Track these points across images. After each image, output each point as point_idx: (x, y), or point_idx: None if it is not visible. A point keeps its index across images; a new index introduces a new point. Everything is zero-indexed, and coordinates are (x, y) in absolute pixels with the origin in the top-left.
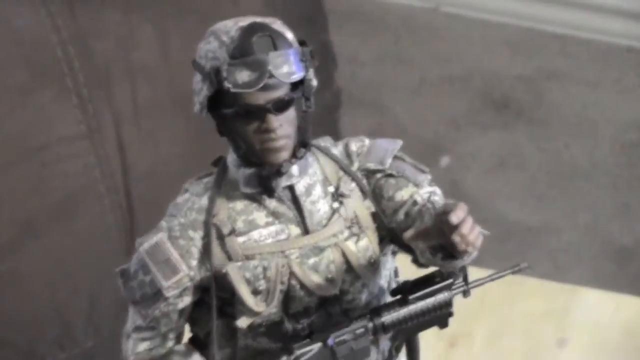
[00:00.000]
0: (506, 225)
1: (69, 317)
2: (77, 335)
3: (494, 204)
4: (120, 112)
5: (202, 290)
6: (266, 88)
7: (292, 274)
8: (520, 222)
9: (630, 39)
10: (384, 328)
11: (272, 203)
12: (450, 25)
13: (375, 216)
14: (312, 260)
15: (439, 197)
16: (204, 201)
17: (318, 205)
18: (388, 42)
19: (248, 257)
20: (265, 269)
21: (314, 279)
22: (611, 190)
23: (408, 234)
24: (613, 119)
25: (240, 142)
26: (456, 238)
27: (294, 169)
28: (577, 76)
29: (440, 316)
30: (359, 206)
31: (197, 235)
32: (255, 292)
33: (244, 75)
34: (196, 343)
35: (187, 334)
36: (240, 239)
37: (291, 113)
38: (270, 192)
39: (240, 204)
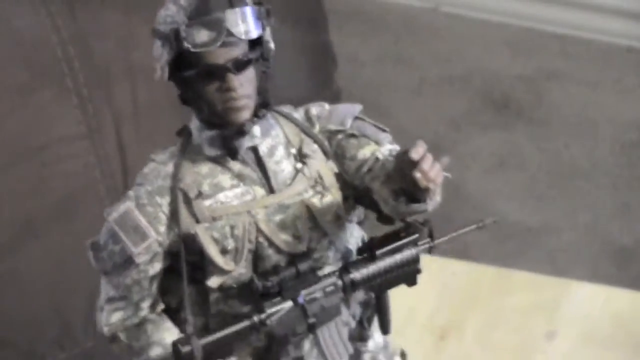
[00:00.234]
0: (506, 225)
1: (69, 317)
2: (77, 335)
3: (494, 204)
4: (120, 112)
5: (172, 256)
6: (225, 45)
7: (259, 231)
8: (520, 222)
9: (630, 39)
10: (353, 285)
11: (236, 165)
12: (450, 25)
13: (338, 176)
14: (278, 218)
15: None
16: (170, 168)
17: (282, 165)
18: (388, 42)
19: (215, 219)
20: (232, 227)
21: (282, 236)
22: (611, 190)
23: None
24: (613, 119)
25: (203, 104)
26: (417, 174)
27: (256, 129)
28: (577, 76)
29: (408, 273)
30: (322, 166)
31: (164, 201)
32: (224, 251)
33: (202, 35)
34: (169, 313)
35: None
36: (207, 202)
37: (251, 73)
38: (233, 154)
39: (205, 168)
